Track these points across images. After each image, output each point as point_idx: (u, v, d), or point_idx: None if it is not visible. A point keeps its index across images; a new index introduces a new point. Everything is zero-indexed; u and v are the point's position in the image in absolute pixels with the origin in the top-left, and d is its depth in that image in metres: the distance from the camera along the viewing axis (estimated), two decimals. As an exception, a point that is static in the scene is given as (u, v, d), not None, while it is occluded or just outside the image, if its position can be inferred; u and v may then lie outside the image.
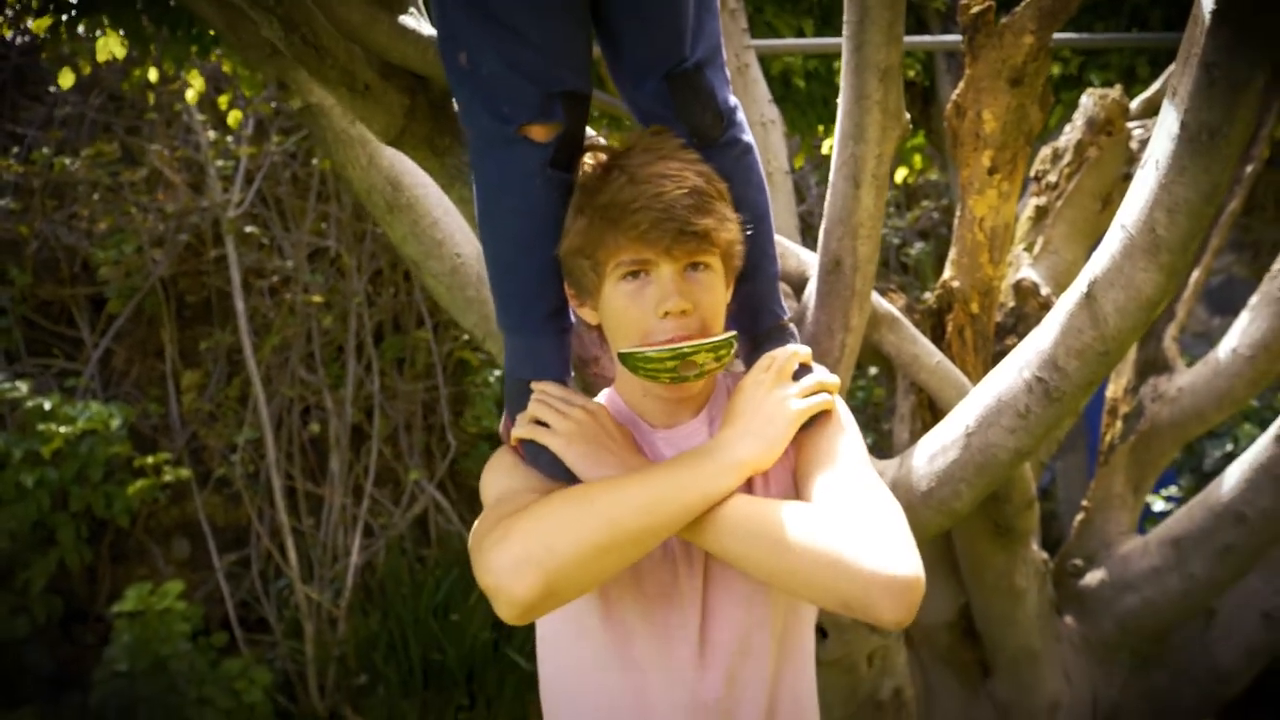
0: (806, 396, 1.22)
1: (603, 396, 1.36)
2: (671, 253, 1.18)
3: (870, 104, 1.34)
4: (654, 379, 1.21)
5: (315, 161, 4.93)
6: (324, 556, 4.93)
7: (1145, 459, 2.10)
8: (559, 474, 1.26)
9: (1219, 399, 1.96)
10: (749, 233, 1.24)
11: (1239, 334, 1.92)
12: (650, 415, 1.30)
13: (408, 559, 5.12)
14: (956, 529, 1.90)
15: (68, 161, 4.51)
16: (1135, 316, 1.22)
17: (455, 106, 1.25)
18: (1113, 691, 2.09)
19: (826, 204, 1.47)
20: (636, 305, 1.21)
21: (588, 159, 1.22)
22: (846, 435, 1.24)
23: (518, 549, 1.10)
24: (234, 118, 3.84)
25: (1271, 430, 1.80)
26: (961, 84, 1.63)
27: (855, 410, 5.49)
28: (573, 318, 1.33)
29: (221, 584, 4.83)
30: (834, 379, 1.28)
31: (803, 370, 1.27)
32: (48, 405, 4.28)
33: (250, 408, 4.83)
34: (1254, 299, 1.91)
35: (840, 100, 1.42)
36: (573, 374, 1.35)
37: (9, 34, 2.37)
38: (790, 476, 1.25)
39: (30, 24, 2.63)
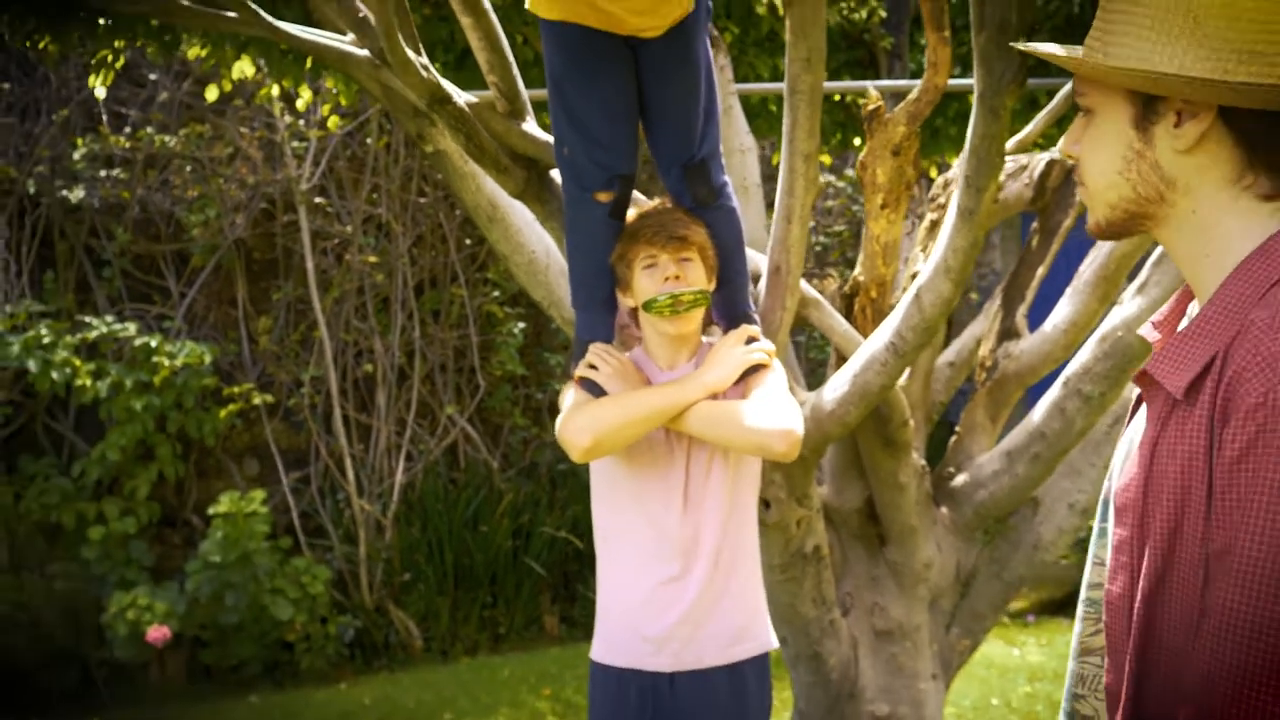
0: (751, 354, 2.11)
1: (632, 353, 2.25)
2: (666, 248, 2.06)
3: (796, 176, 2.21)
4: (660, 315, 2.07)
5: (370, 141, 5.77)
6: (373, 476, 5.85)
7: (999, 399, 3.00)
8: (600, 394, 2.15)
9: (1045, 358, 2.86)
10: (726, 256, 2.13)
11: (1058, 314, 2.81)
12: (659, 359, 2.18)
13: (441, 480, 6.04)
14: (860, 443, 2.81)
15: (166, 139, 5.36)
16: (939, 308, 2.13)
17: (557, 176, 2.14)
18: (969, 557, 3.03)
19: (771, 231, 2.35)
20: (651, 280, 2.09)
21: (631, 212, 2.11)
22: (774, 376, 2.13)
23: (581, 421, 2.00)
24: (304, 101, 4.58)
25: (1061, 377, 2.71)
26: (864, 152, 2.51)
27: (815, 360, 6.48)
28: (618, 304, 2.21)
29: (287, 497, 5.75)
30: (770, 345, 2.17)
31: (753, 340, 2.17)
32: (153, 343, 5.16)
33: (314, 350, 5.71)
34: (1068, 290, 2.81)
35: (780, 168, 2.29)
36: (616, 337, 2.24)
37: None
38: (739, 398, 2.14)
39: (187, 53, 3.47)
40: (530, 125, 2.13)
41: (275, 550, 5.39)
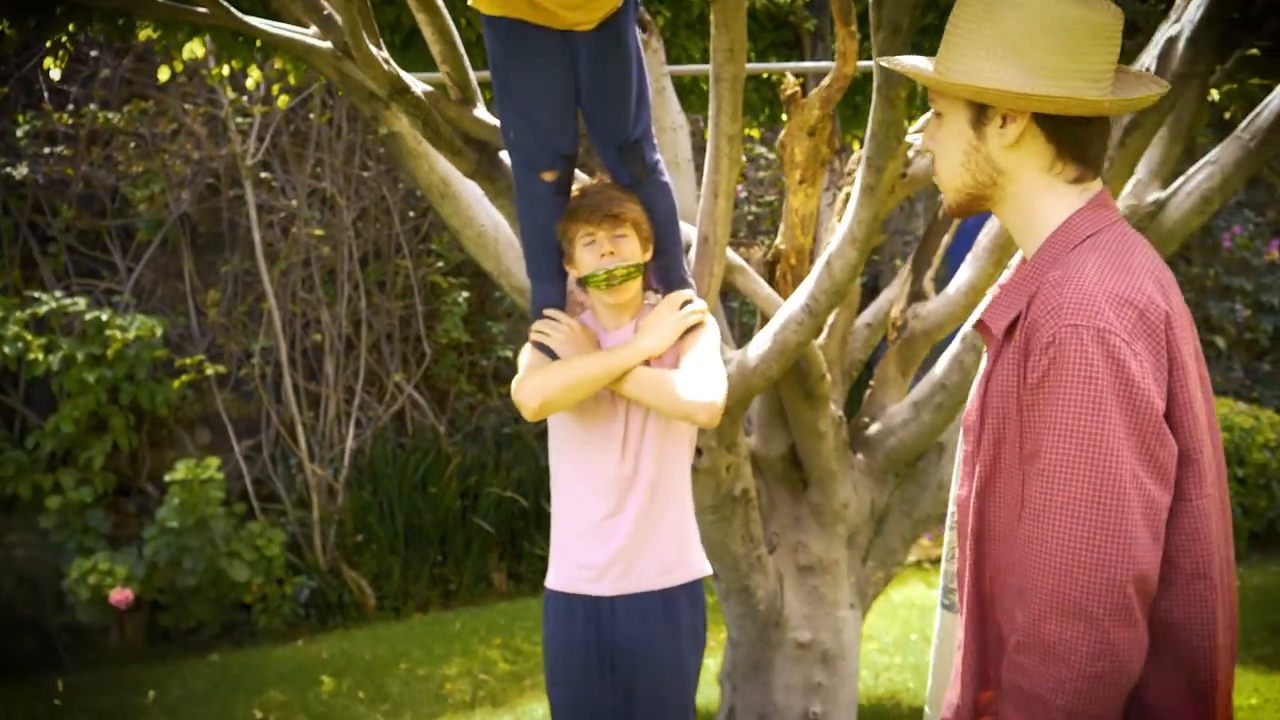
0: (686, 318, 2.37)
1: (581, 315, 2.49)
2: (602, 226, 2.31)
3: (721, 155, 2.46)
4: (598, 288, 2.32)
5: (313, 116, 5.91)
6: (324, 442, 6.04)
7: (908, 355, 3.32)
8: (554, 359, 2.39)
9: (949, 318, 3.17)
10: (661, 227, 2.37)
11: (959, 278, 3.12)
12: (604, 321, 2.42)
13: (390, 445, 6.25)
14: (783, 395, 3.10)
15: (109, 115, 5.44)
16: (847, 273, 2.41)
17: (506, 157, 2.37)
18: (882, 497, 3.36)
19: (699, 205, 2.61)
20: (589, 255, 2.33)
21: (574, 189, 2.34)
22: (705, 335, 2.39)
23: (532, 385, 2.24)
24: (253, 80, 4.70)
25: (959, 334, 3.04)
26: (783, 133, 2.78)
27: (748, 325, 6.80)
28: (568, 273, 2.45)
29: (240, 464, 5.92)
30: (703, 305, 2.43)
31: (687, 302, 2.43)
32: (104, 317, 5.28)
33: (263, 321, 5.87)
34: (968, 257, 3.11)
35: (708, 148, 2.55)
36: (567, 300, 2.49)
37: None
38: (675, 358, 2.40)
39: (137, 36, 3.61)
40: (480, 111, 2.36)
41: (230, 515, 5.57)
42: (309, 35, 2.38)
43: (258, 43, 3.61)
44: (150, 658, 5.43)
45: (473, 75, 2.43)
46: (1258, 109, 2.65)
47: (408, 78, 2.27)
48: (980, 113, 1.34)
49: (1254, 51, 3.01)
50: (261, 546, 5.56)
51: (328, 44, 2.27)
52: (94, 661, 5.37)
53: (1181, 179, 2.80)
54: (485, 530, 6.16)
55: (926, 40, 4.12)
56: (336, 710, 4.59)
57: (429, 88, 2.33)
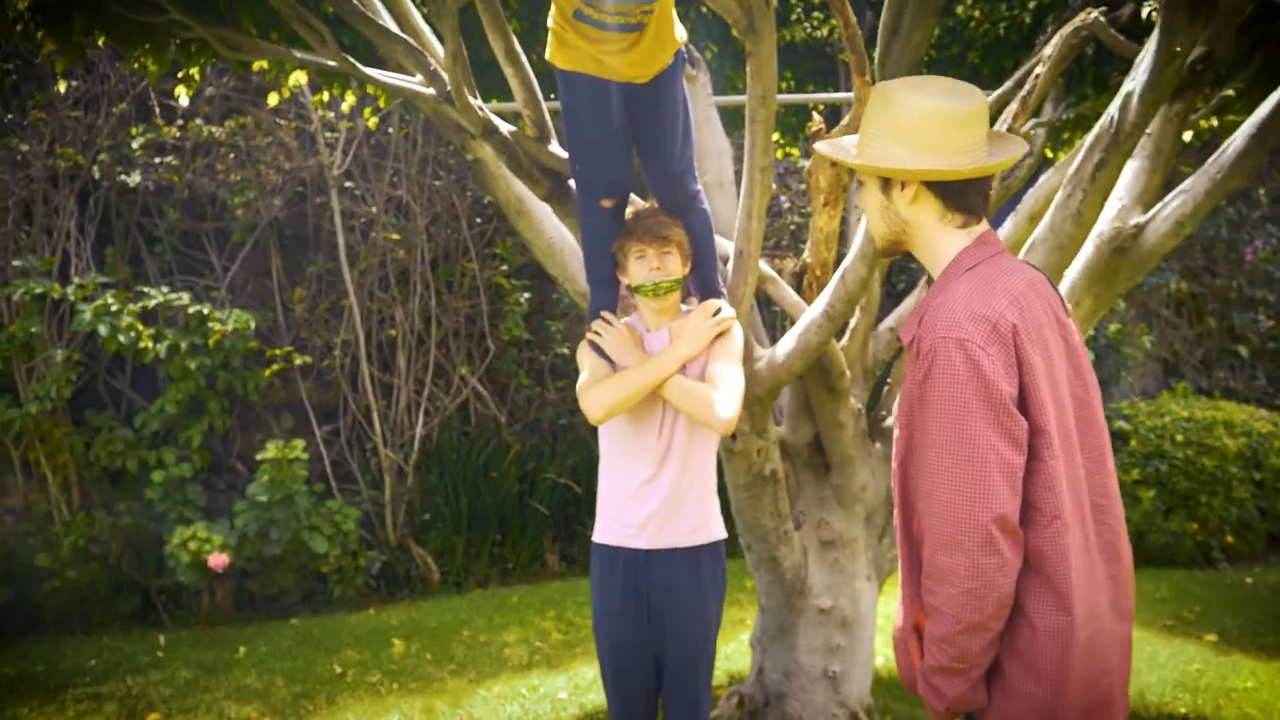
0: (717, 325, 2.82)
1: (629, 317, 2.96)
2: (652, 244, 2.77)
3: (755, 183, 2.91)
4: (646, 296, 2.77)
5: (391, 131, 6.46)
6: (395, 429, 6.59)
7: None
8: (605, 356, 2.87)
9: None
10: (699, 246, 2.83)
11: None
12: (648, 322, 2.88)
13: (455, 433, 6.78)
14: (809, 390, 3.55)
15: (212, 129, 6.04)
16: (859, 285, 2.86)
17: (573, 184, 2.86)
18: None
19: (736, 224, 3.07)
20: (640, 268, 2.80)
21: (629, 211, 2.82)
22: (732, 342, 2.83)
23: (595, 399, 2.69)
24: (348, 104, 5.31)
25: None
26: (810, 162, 3.22)
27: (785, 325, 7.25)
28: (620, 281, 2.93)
29: (320, 447, 6.49)
30: (732, 313, 2.89)
31: (718, 311, 2.89)
32: (206, 311, 5.87)
33: (344, 317, 6.43)
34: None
35: (744, 177, 3.00)
36: (619, 305, 2.96)
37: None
38: (706, 359, 2.85)
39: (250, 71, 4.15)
40: (554, 146, 2.85)
41: (311, 494, 6.13)
42: (414, 83, 2.89)
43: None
44: (237, 620, 6.01)
45: (547, 114, 2.92)
46: (1222, 147, 3.05)
47: (495, 119, 2.77)
48: (886, 183, 1.84)
49: (1229, 94, 3.41)
50: (339, 522, 6.11)
51: (431, 91, 2.77)
52: (188, 621, 5.96)
53: (1159, 205, 3.20)
54: (541, 513, 6.67)
55: (953, 70, 4.56)
56: (407, 668, 5.11)
57: (513, 128, 2.82)
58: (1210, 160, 3.08)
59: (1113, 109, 2.70)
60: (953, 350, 1.67)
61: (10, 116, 5.92)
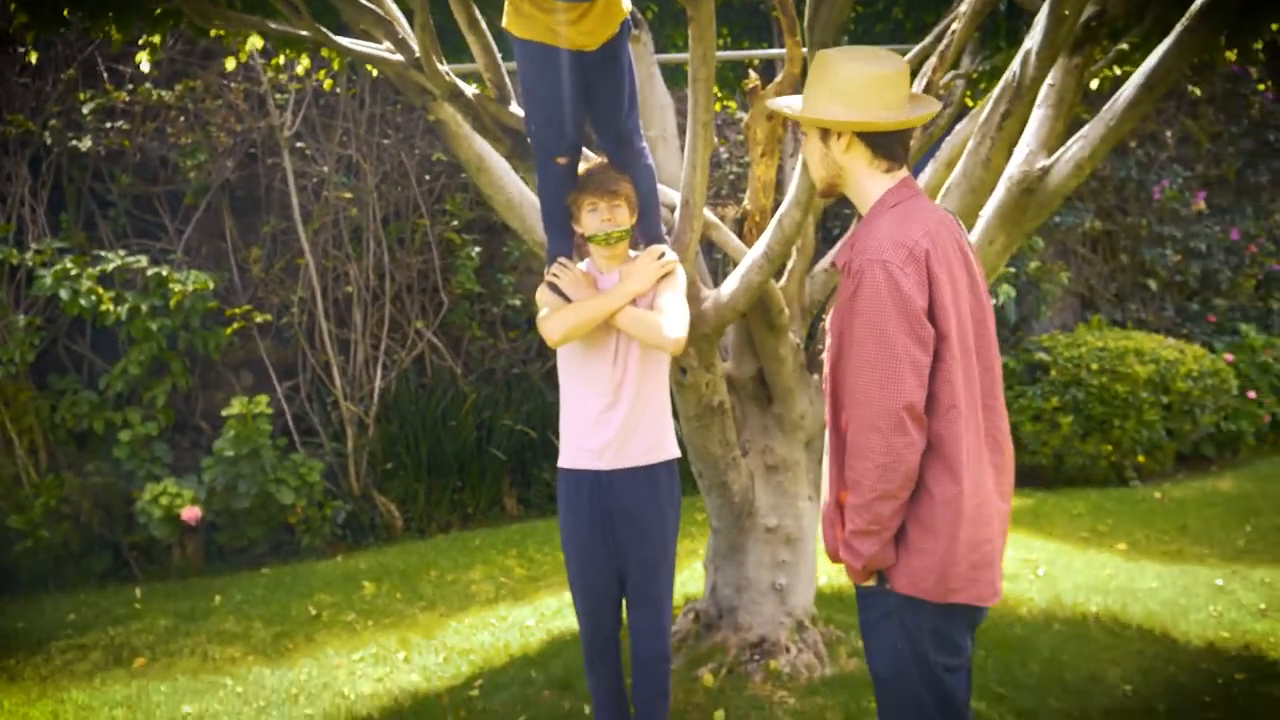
0: (662, 266, 3.11)
1: (584, 263, 3.24)
2: (603, 197, 3.04)
3: (697, 138, 3.18)
4: (598, 244, 3.04)
5: (338, 90, 6.60)
6: (354, 383, 6.80)
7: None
8: (562, 295, 3.14)
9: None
10: (644, 198, 3.11)
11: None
12: (600, 267, 3.15)
13: (413, 385, 7.02)
14: (751, 327, 3.87)
15: (162, 93, 6.13)
16: (793, 228, 3.16)
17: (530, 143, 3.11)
18: (833, 410, 4.16)
19: (682, 176, 3.35)
20: (592, 219, 3.08)
21: (581, 167, 3.09)
22: (675, 280, 3.11)
23: (553, 323, 2.97)
24: (302, 66, 5.36)
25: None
26: (747, 115, 3.51)
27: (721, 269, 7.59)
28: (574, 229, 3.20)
29: (282, 402, 6.68)
30: (675, 256, 3.18)
31: (662, 255, 3.18)
32: (164, 273, 6.01)
33: (300, 275, 6.60)
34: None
35: (687, 132, 3.28)
36: (574, 252, 3.24)
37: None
38: (653, 296, 3.15)
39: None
40: (514, 107, 3.10)
41: (275, 447, 6.33)
42: (381, 50, 3.11)
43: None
44: (209, 572, 6.23)
45: (507, 78, 3.17)
46: (1115, 96, 3.39)
47: (460, 83, 3.01)
48: (825, 133, 2.19)
49: (1123, 47, 3.76)
50: (304, 474, 6.34)
51: (399, 57, 3.00)
52: (161, 575, 6.16)
53: (1061, 150, 3.55)
54: (499, 459, 6.95)
55: (878, 23, 4.87)
56: (379, 607, 5.39)
57: (477, 90, 3.07)
58: (1105, 108, 3.42)
59: (1015, 65, 3.02)
60: (877, 270, 2.02)
61: (-43, 85, 5.97)
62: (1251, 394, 7.87)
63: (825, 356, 2.19)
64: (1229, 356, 7.92)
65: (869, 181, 2.16)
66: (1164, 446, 7.32)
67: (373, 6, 2.93)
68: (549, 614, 5.12)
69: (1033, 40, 2.93)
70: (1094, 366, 7.11)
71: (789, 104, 2.24)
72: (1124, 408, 7.06)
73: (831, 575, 5.25)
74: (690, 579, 5.32)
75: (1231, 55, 3.98)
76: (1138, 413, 7.08)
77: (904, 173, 2.19)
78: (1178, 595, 4.98)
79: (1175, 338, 7.97)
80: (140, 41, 4.19)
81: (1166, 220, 8.35)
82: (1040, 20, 2.89)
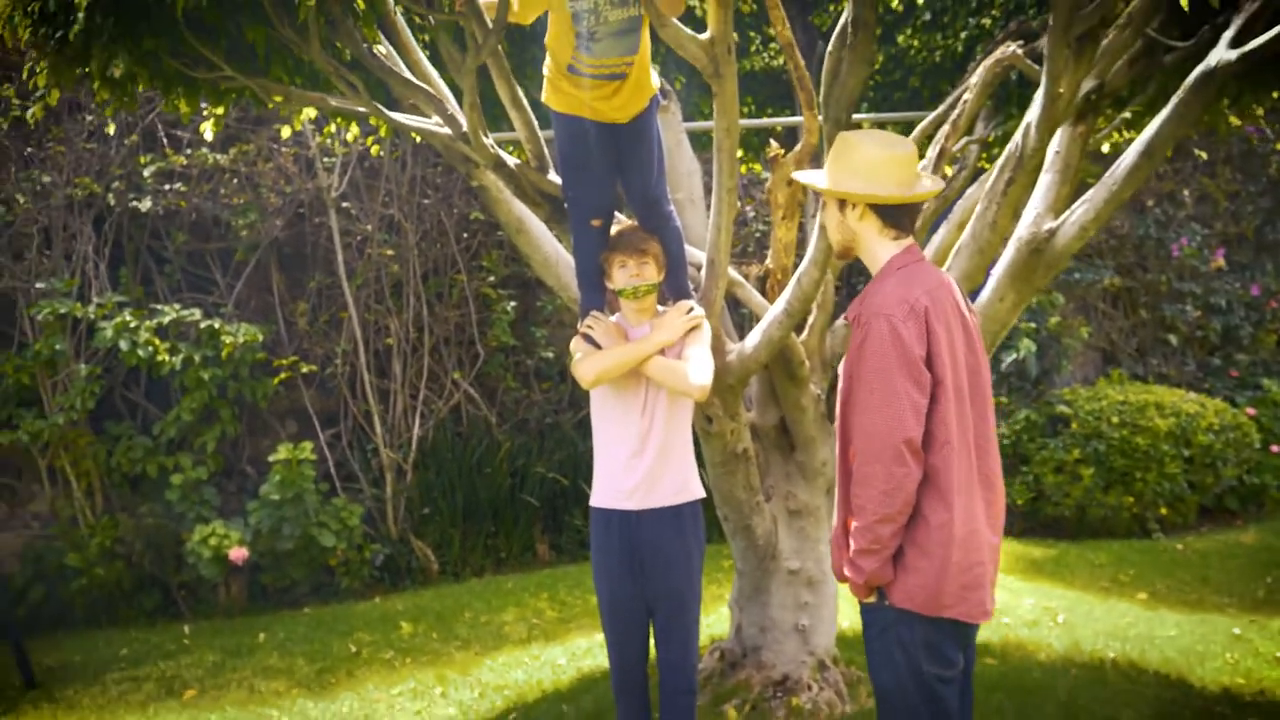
0: (690, 320, 3.34)
1: (615, 316, 3.48)
2: (632, 256, 3.29)
3: (722, 202, 3.44)
4: (627, 298, 3.28)
5: (382, 154, 6.95)
6: (394, 431, 7.07)
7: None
8: (595, 345, 3.38)
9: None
10: (672, 257, 3.36)
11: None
12: (630, 320, 3.39)
13: (449, 434, 7.27)
14: (775, 378, 4.09)
15: (217, 156, 6.50)
16: (812, 286, 3.40)
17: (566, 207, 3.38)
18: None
19: (708, 237, 3.60)
20: (622, 275, 3.32)
21: (613, 229, 3.34)
22: (702, 334, 3.35)
23: (586, 366, 3.21)
24: (352, 134, 5.72)
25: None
26: (769, 181, 3.76)
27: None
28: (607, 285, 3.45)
29: (324, 449, 6.96)
30: (701, 311, 3.41)
31: (690, 310, 3.41)
32: (216, 325, 6.33)
33: (343, 328, 6.90)
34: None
35: (712, 197, 3.53)
36: (606, 307, 3.48)
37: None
38: (681, 348, 3.38)
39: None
40: (552, 175, 3.37)
41: (318, 492, 6.60)
42: (429, 123, 3.40)
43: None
44: (253, 610, 6.46)
45: (546, 149, 3.44)
46: (1116, 163, 3.61)
47: (503, 154, 3.28)
48: (842, 204, 2.47)
49: (1126, 115, 3.99)
50: (344, 518, 6.58)
51: (447, 130, 3.29)
52: (207, 613, 6.40)
53: (1067, 212, 3.77)
54: (531, 506, 7.16)
55: (896, 92, 5.13)
56: (416, 646, 5.59)
57: (518, 161, 3.34)
58: (1107, 174, 3.64)
59: (1016, 137, 3.26)
60: (882, 323, 2.30)
61: (30, 150, 6.36)
62: (1275, 448, 7.95)
63: (838, 395, 2.43)
64: (1251, 410, 8.02)
65: (879, 247, 2.45)
66: (1187, 499, 7.41)
67: (424, 86, 3.22)
68: (580, 653, 5.30)
69: (1032, 114, 3.17)
70: (1115, 420, 7.24)
71: (812, 178, 2.52)
72: (1145, 460, 7.17)
73: (853, 619, 5.39)
74: (716, 621, 5.48)
75: (1235, 120, 4.20)
76: (1159, 465, 7.19)
77: (910, 240, 2.47)
78: (1195, 643, 5.07)
79: (1197, 392, 8.07)
80: (205, 112, 4.52)
81: (1186, 277, 8.50)
82: (1038, 96, 3.13)
